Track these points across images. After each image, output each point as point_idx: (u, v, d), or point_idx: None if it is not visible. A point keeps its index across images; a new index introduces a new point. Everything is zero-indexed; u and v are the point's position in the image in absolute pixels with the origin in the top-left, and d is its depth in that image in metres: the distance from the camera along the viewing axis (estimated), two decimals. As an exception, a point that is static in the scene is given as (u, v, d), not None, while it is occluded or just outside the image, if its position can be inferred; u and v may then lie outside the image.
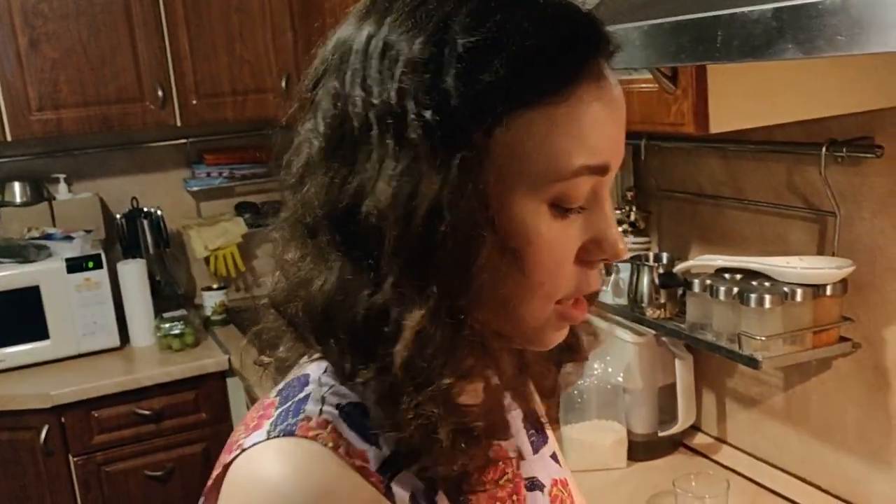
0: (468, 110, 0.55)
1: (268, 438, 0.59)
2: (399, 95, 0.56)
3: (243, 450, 0.60)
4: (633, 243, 1.69)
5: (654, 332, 1.66)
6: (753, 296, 1.32)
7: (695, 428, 1.79)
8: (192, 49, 2.61)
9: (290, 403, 0.62)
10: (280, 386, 0.65)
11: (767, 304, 1.32)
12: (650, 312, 1.60)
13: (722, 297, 1.38)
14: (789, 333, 1.34)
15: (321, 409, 0.61)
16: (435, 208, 0.55)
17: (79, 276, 2.55)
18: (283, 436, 0.59)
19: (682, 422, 1.69)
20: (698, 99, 1.11)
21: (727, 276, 1.43)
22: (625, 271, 1.67)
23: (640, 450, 1.73)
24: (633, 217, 1.70)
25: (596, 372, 1.75)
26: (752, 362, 1.34)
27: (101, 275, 2.58)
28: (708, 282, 1.42)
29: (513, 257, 0.58)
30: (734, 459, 1.68)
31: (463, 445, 0.59)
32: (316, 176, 0.60)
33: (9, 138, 2.47)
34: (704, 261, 1.49)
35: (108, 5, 2.50)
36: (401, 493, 0.60)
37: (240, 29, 2.65)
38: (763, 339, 1.33)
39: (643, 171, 1.78)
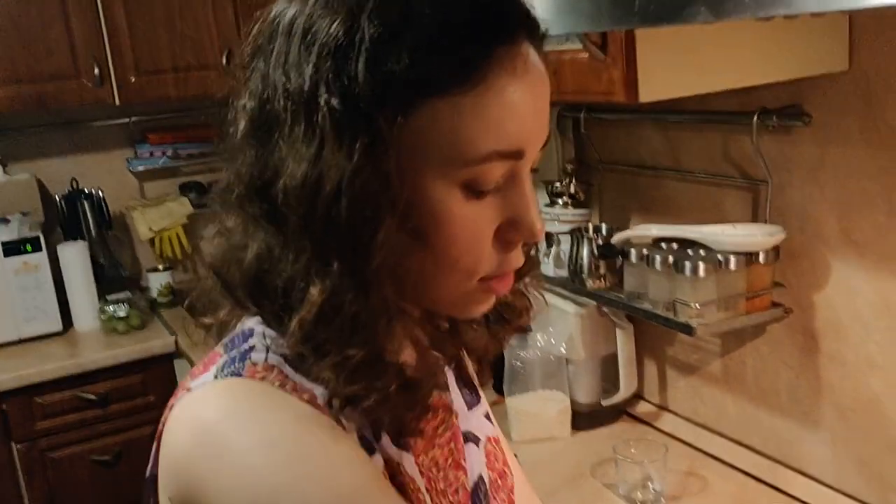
0: (373, 98, 0.56)
1: (214, 380, 0.61)
2: (312, 80, 0.57)
3: (188, 390, 0.62)
4: (574, 215, 1.70)
5: (595, 302, 1.67)
6: (688, 264, 1.34)
7: (637, 396, 1.82)
8: (130, 25, 2.54)
9: (235, 352, 0.64)
10: (225, 340, 0.67)
11: (701, 273, 1.34)
12: (590, 283, 1.61)
13: (658, 266, 1.40)
14: (723, 300, 1.37)
15: (266, 357, 0.63)
16: (337, 190, 0.57)
17: (17, 260, 2.49)
18: (231, 376, 0.61)
19: (624, 391, 1.72)
20: (628, 67, 1.12)
21: (664, 245, 1.45)
22: (565, 243, 1.68)
23: (584, 419, 1.75)
24: (573, 189, 1.71)
25: (539, 343, 1.76)
26: (687, 329, 1.36)
27: (41, 258, 2.52)
28: (645, 251, 1.44)
29: (421, 236, 0.60)
30: (675, 426, 1.71)
31: (380, 405, 0.61)
32: (244, 151, 0.62)
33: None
34: (642, 231, 1.50)
35: (38, -23, 2.42)
36: (349, 426, 0.62)
37: (179, 3, 2.59)
38: (697, 306, 1.35)
39: (584, 143, 1.79)
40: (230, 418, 0.58)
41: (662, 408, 1.79)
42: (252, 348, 0.64)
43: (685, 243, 1.43)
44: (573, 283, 1.65)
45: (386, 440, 0.66)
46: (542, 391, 1.76)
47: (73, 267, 2.61)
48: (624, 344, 1.69)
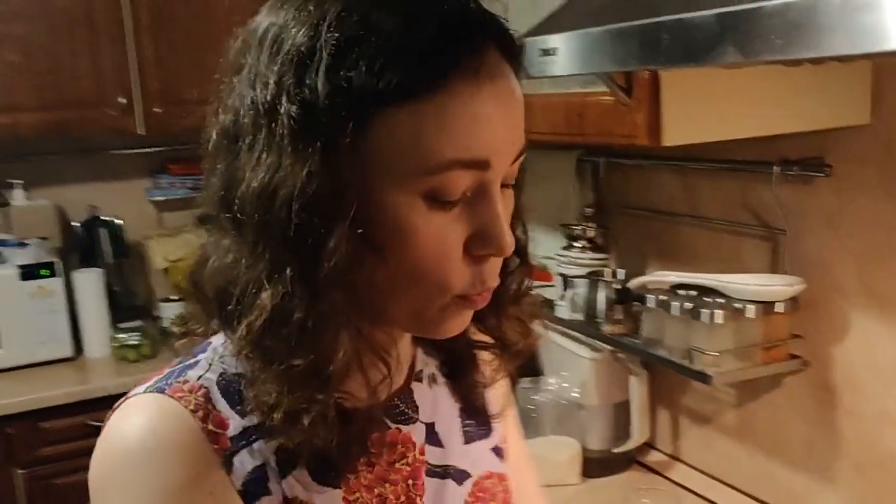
0: (330, 107, 0.57)
1: (143, 392, 0.64)
2: (275, 90, 0.58)
3: (127, 398, 0.65)
4: (591, 259, 1.69)
5: (610, 347, 1.66)
6: (705, 311, 1.33)
7: (649, 445, 1.80)
8: (157, 57, 2.59)
9: (180, 366, 0.66)
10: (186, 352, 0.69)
11: (719, 320, 1.32)
12: (606, 328, 1.60)
13: (675, 312, 1.39)
14: (740, 349, 1.35)
15: (201, 375, 0.65)
16: (290, 198, 0.57)
17: (32, 284, 2.49)
18: (154, 392, 0.64)
19: (637, 438, 1.69)
20: (652, 111, 1.13)
21: (681, 292, 1.44)
22: (581, 287, 1.68)
23: (595, 466, 1.73)
24: (590, 233, 1.71)
25: (552, 388, 1.75)
26: (703, 377, 1.35)
27: (56, 283, 2.52)
28: (662, 297, 1.43)
29: (381, 248, 0.60)
30: (686, 476, 1.69)
31: (318, 426, 0.61)
32: (214, 164, 0.64)
33: (-41, 143, 2.42)
34: (659, 277, 1.50)
35: (68, 9, 2.46)
36: (244, 462, 0.63)
37: (206, 36, 2.64)
38: (714, 354, 1.34)
39: (602, 188, 1.79)
40: (125, 454, 0.61)
41: (674, 457, 1.77)
42: (196, 363, 0.66)
43: (703, 291, 1.42)
44: (589, 328, 1.64)
45: (301, 476, 0.65)
46: (554, 436, 1.74)
47: (88, 293, 2.62)
48: (637, 391, 1.67)
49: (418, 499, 0.72)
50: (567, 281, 1.71)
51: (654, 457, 1.79)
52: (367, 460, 0.69)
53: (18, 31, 2.42)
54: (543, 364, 1.85)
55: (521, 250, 0.73)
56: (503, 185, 0.62)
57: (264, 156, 0.58)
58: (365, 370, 0.64)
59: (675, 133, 1.13)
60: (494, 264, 0.63)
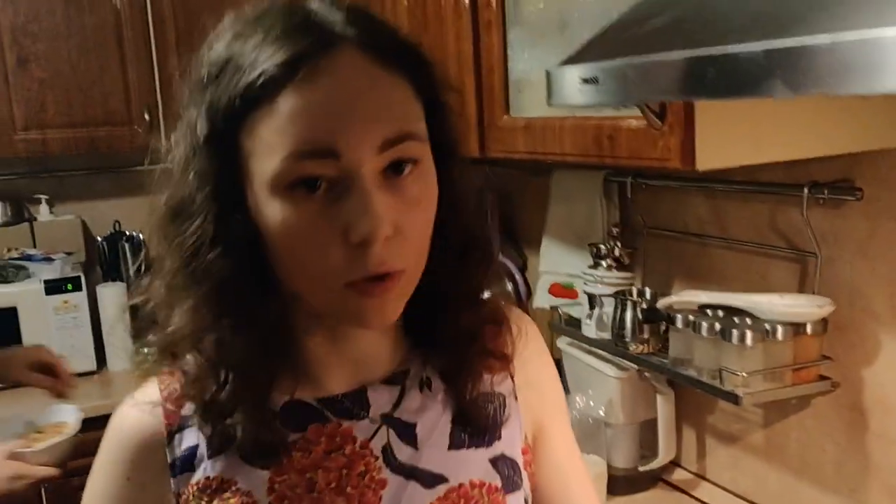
0: (211, 126, 0.67)
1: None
2: (188, 110, 0.70)
3: None
4: (618, 279, 1.70)
5: (636, 366, 1.67)
6: (735, 332, 1.34)
7: (674, 464, 1.80)
8: (183, 74, 2.62)
9: None
10: None
11: (749, 341, 1.33)
12: (633, 347, 1.61)
13: (704, 333, 1.39)
14: (769, 370, 1.36)
15: (188, 363, 0.75)
16: (183, 209, 0.70)
17: (57, 299, 2.52)
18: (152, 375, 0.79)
19: (663, 457, 1.70)
20: (686, 135, 1.13)
21: (710, 312, 1.45)
22: (608, 305, 1.69)
23: (620, 484, 1.73)
24: (617, 252, 1.72)
25: (578, 405, 1.75)
26: (733, 398, 1.35)
27: (80, 297, 2.55)
28: (691, 318, 1.43)
29: (269, 244, 0.68)
30: (712, 495, 1.69)
31: (246, 419, 0.73)
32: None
33: (-8, 157, 2.46)
34: (688, 297, 1.50)
35: (98, 27, 2.50)
36: (182, 439, 0.76)
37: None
38: (744, 375, 1.34)
39: (630, 207, 1.80)
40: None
41: (700, 476, 1.77)
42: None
43: (731, 311, 1.43)
44: (616, 346, 1.65)
45: (231, 457, 0.75)
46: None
47: (111, 308, 2.65)
48: (664, 410, 1.67)
49: (371, 492, 0.76)
50: (593, 300, 1.72)
51: (679, 475, 1.79)
52: (305, 447, 0.75)
53: (49, 49, 2.46)
54: (569, 382, 1.86)
55: (471, 241, 0.77)
56: (395, 171, 0.67)
57: (178, 169, 0.71)
58: (307, 366, 0.76)
59: (709, 157, 1.14)
60: (381, 250, 0.66)
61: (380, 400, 0.79)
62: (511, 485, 0.81)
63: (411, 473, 0.77)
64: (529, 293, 2.21)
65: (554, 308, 1.95)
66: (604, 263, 1.72)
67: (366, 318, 0.69)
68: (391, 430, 0.78)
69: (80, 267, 2.67)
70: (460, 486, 0.78)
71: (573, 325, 1.84)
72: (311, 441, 0.76)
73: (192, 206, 0.69)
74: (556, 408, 0.90)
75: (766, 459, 1.58)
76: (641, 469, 1.73)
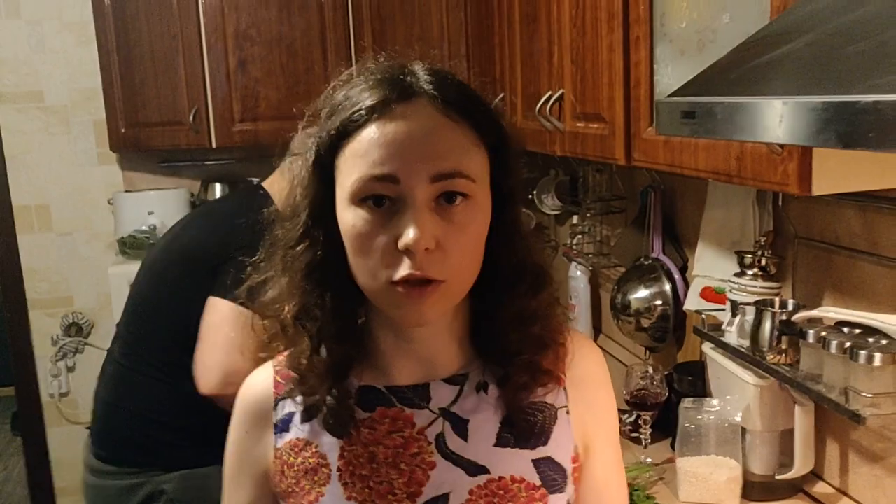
0: (317, 149, 0.87)
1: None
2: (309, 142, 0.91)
3: None
4: (761, 288, 1.71)
5: (770, 376, 1.67)
6: (864, 352, 1.34)
7: (817, 476, 1.79)
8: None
9: None
10: None
11: (877, 362, 1.32)
12: (770, 357, 1.62)
13: (833, 350, 1.40)
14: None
15: (294, 350, 0.95)
16: (293, 211, 0.92)
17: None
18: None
19: (798, 468, 1.70)
20: (803, 161, 1.16)
21: (846, 329, 1.44)
22: (750, 314, 1.70)
23: (756, 490, 1.75)
24: (764, 261, 1.73)
25: (715, 409, 1.79)
26: (857, 418, 1.35)
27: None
28: (822, 333, 1.44)
29: (345, 242, 0.86)
30: (851, 513, 1.67)
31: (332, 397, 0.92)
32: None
33: (214, 145, 2.84)
34: (822, 312, 1.50)
35: (306, 31, 2.80)
36: (284, 406, 0.96)
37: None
38: (870, 396, 1.34)
39: (781, 217, 1.80)
40: None
41: (842, 492, 1.75)
42: None
43: (868, 330, 1.41)
44: (752, 355, 1.67)
45: (314, 425, 0.93)
46: (715, 456, 1.78)
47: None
48: (802, 421, 1.67)
49: (420, 471, 0.90)
50: (736, 307, 1.74)
51: (821, 488, 1.78)
52: (371, 425, 0.91)
53: (264, 52, 2.81)
54: (711, 386, 1.89)
55: (521, 274, 0.90)
56: (447, 201, 0.83)
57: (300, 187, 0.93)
58: (380, 358, 0.93)
59: (825, 183, 1.16)
60: (421, 258, 0.80)
61: (440, 395, 0.93)
62: (553, 486, 0.92)
63: (458, 461, 0.91)
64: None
65: (698, 312, 1.98)
66: (749, 272, 1.74)
67: (404, 315, 0.84)
68: (446, 422, 0.92)
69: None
70: (500, 478, 0.91)
71: (717, 330, 1.87)
72: (376, 421, 0.92)
73: (298, 209, 0.90)
74: (605, 430, 0.99)
75: (907, 482, 1.55)
76: (778, 477, 1.73)
